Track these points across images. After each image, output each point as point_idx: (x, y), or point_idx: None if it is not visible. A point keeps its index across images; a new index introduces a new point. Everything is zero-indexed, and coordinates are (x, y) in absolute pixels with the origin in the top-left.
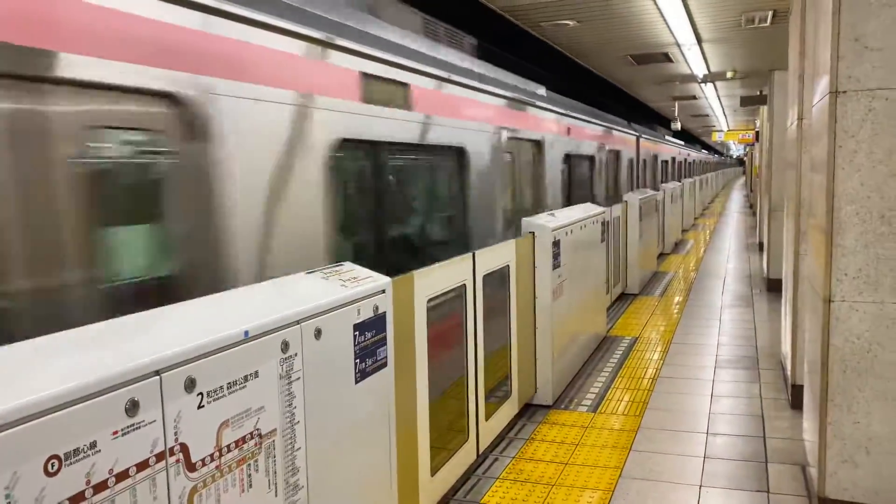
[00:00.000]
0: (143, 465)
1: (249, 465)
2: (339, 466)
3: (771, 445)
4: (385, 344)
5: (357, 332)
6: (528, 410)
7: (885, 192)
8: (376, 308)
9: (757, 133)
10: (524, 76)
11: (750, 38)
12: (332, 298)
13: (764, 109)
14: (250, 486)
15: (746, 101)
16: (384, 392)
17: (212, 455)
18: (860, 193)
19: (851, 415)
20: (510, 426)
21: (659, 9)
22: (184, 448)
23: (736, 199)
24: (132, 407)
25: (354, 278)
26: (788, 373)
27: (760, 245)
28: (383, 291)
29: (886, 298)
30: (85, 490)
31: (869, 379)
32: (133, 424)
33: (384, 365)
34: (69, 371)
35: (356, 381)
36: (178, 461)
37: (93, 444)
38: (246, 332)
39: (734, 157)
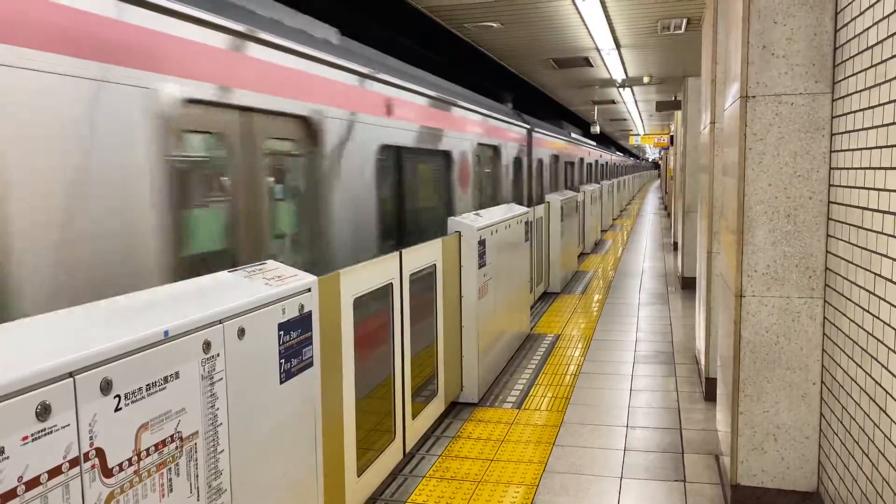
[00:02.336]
0: (55, 472)
1: (170, 468)
2: (264, 469)
3: (687, 437)
4: (311, 343)
5: (282, 332)
6: (455, 408)
7: (791, 193)
8: (302, 307)
9: (672, 137)
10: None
11: (665, 45)
12: (255, 297)
13: (678, 114)
14: (171, 490)
15: (662, 106)
16: (310, 392)
17: (130, 460)
18: (768, 193)
19: (761, 404)
20: (437, 424)
21: (580, 14)
22: (100, 453)
23: (651, 200)
24: (43, 411)
25: (279, 277)
26: (702, 366)
27: (675, 245)
28: (309, 290)
29: (792, 293)
30: None
31: (776, 370)
32: (44, 429)
33: (310, 365)
34: None
35: (281, 382)
36: (93, 467)
37: (0, 451)
38: (166, 332)
39: (650, 160)
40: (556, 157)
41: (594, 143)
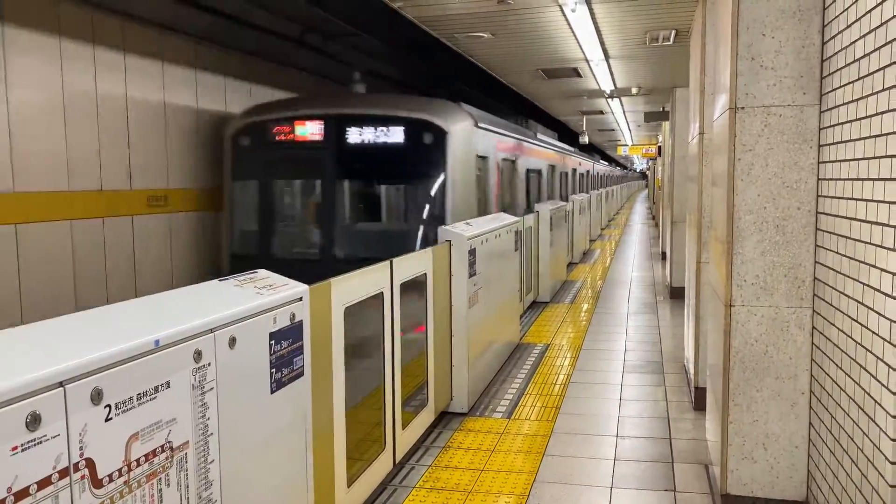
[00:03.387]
0: (45, 483)
1: (160, 479)
2: (255, 479)
3: (676, 446)
4: (302, 353)
5: (273, 341)
6: (445, 418)
7: (780, 203)
8: (293, 316)
9: (659, 148)
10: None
11: (654, 56)
12: (246, 306)
13: (666, 125)
14: (161, 501)
15: (650, 117)
16: (301, 402)
17: (120, 470)
18: (757, 204)
19: (750, 414)
20: (427, 434)
21: (569, 25)
22: (89, 463)
23: (639, 210)
24: (33, 420)
25: (270, 286)
26: (691, 376)
27: (663, 254)
28: (300, 299)
29: (781, 303)
30: None
31: (766, 379)
32: (34, 439)
33: (301, 374)
34: None
35: (272, 391)
36: (83, 477)
37: None
38: (157, 341)
39: (637, 170)
40: (599, 173)
41: (607, 163)
